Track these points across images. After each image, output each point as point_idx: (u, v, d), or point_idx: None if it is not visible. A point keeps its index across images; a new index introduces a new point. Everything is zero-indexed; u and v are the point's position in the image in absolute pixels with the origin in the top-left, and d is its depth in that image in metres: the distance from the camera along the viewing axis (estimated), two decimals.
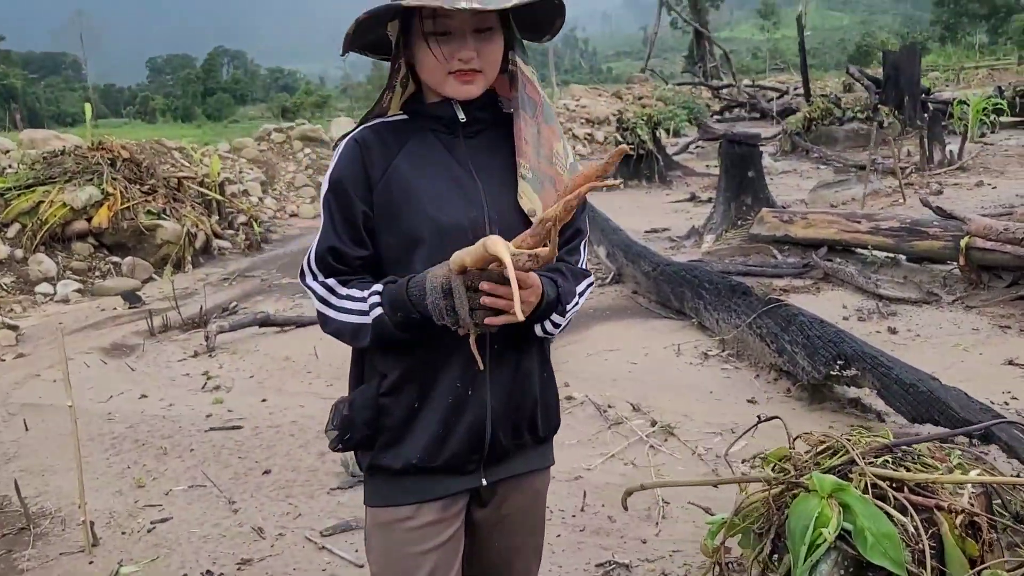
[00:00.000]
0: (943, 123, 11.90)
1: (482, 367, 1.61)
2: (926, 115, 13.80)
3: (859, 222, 6.67)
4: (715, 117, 22.47)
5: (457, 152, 1.76)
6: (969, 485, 1.38)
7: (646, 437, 4.22)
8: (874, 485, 1.44)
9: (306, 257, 1.74)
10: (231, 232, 10.58)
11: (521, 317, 1.43)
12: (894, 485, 1.42)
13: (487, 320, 1.55)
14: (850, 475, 1.48)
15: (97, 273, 8.81)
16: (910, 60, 14.15)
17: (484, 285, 1.53)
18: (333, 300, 1.69)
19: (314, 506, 3.79)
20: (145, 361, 6.10)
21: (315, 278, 1.73)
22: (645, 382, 4.97)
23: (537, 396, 1.82)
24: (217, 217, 10.53)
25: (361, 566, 3.26)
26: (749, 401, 4.58)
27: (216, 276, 9.07)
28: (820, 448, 1.57)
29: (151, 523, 3.71)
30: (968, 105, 12.66)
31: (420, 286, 1.59)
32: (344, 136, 1.81)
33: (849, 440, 1.55)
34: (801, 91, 21.03)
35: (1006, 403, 4.21)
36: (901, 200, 9.17)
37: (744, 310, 5.13)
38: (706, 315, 5.61)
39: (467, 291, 1.55)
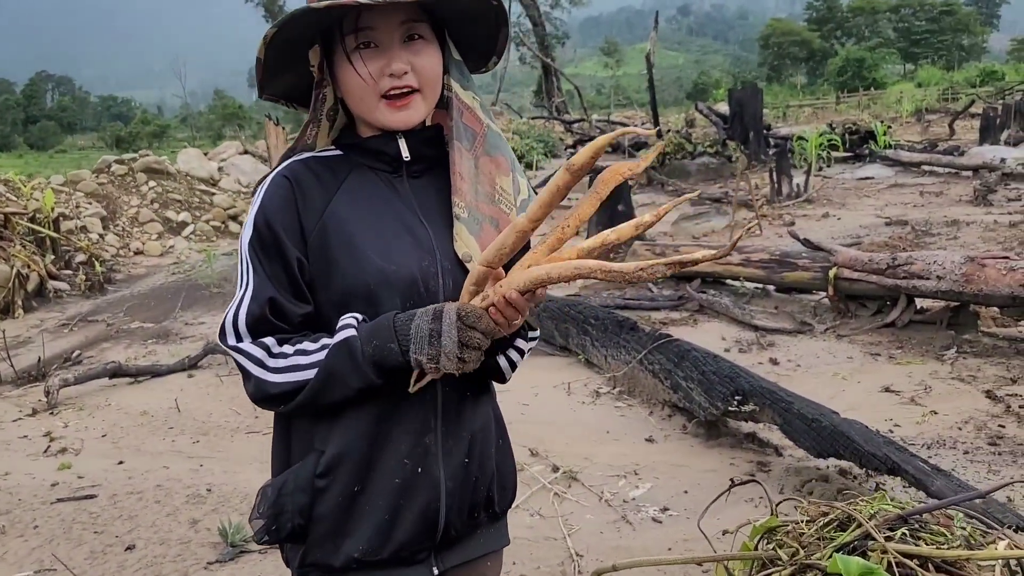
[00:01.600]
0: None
1: (412, 390, 1.38)
2: (770, 150, 14.59)
3: (731, 254, 6.83)
4: (568, 151, 22.96)
5: (402, 193, 1.53)
6: (999, 560, 1.27)
7: (549, 484, 4.04)
8: (898, 564, 1.30)
9: (231, 316, 1.43)
10: (69, 272, 9.71)
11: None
12: (920, 563, 1.29)
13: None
14: (868, 552, 1.33)
15: None
16: (753, 97, 14.94)
17: (512, 295, 1.33)
18: (273, 362, 1.40)
19: None
20: None
21: (241, 339, 1.43)
22: (539, 424, 4.80)
23: (494, 468, 1.60)
24: (52, 256, 9.64)
25: None
26: (647, 440, 4.50)
27: (53, 321, 8.25)
28: (823, 520, 1.43)
29: None
30: (807, 140, 13.45)
31: (410, 314, 1.37)
32: (268, 174, 1.54)
33: (856, 509, 1.41)
34: (648, 126, 21.85)
35: (890, 431, 4.31)
36: (758, 232, 9.54)
37: (633, 346, 5.08)
38: (593, 351, 5.53)
39: (458, 320, 1.33)
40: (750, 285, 6.91)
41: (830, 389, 4.91)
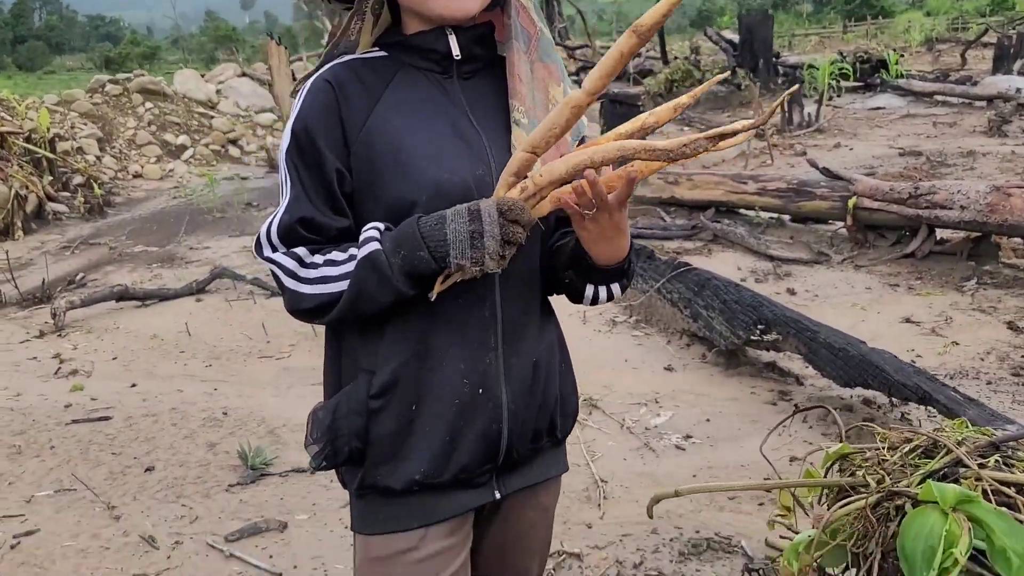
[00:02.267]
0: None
1: (432, 298, 1.30)
2: (779, 79, 14.31)
3: (745, 183, 6.71)
4: (573, 78, 22.52)
5: (452, 95, 1.43)
6: None
7: None
8: (995, 492, 1.24)
9: (265, 227, 1.37)
10: (67, 195, 9.54)
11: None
12: (1016, 491, 1.23)
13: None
14: (960, 480, 1.27)
15: None
16: (764, 24, 14.57)
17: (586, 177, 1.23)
18: (305, 272, 1.34)
19: (212, 507, 3.34)
20: None
21: (276, 250, 1.36)
22: None
23: (558, 391, 1.53)
24: (50, 178, 9.45)
25: (279, 574, 2.88)
26: (666, 369, 4.46)
27: (54, 244, 8.14)
28: (908, 448, 1.36)
29: (14, 537, 3.16)
30: (817, 69, 13.16)
31: (437, 216, 1.27)
32: (307, 76, 1.43)
33: (943, 435, 1.35)
34: (654, 53, 21.37)
35: (913, 361, 4.27)
36: (769, 161, 9.39)
37: (651, 274, 5.00)
38: None
39: (500, 217, 1.24)
40: (765, 215, 6.81)
41: (849, 320, 4.85)
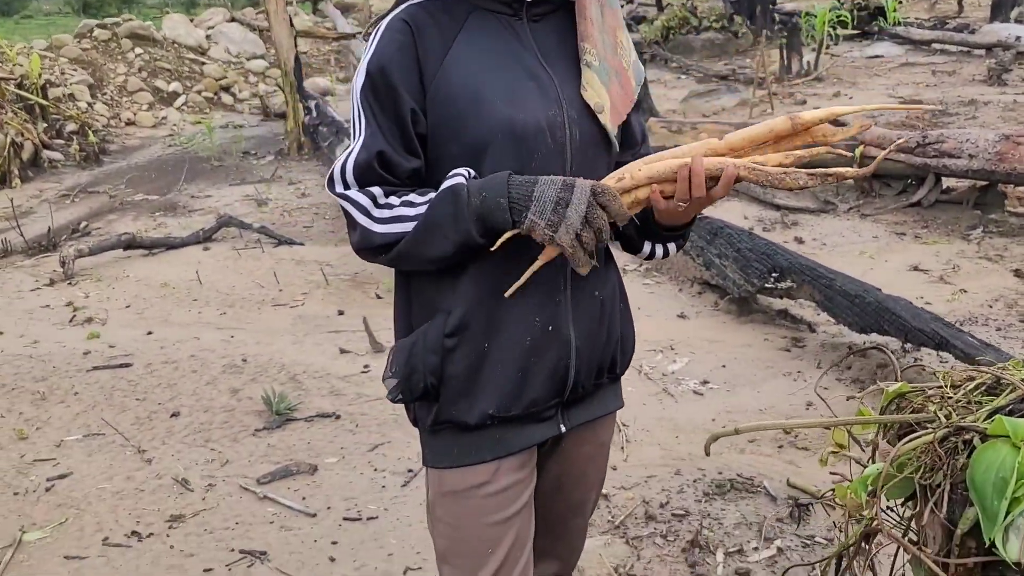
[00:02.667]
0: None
1: (493, 248, 1.34)
2: (776, 26, 14.17)
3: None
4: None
5: (522, 37, 1.46)
6: None
7: None
8: None
9: (340, 164, 1.40)
10: (61, 142, 9.41)
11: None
12: None
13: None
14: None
15: None
16: None
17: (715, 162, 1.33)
18: (379, 212, 1.37)
19: (240, 451, 3.40)
20: None
21: (349, 187, 1.39)
22: None
23: (619, 329, 1.59)
24: (44, 125, 9.31)
25: (313, 514, 2.95)
26: (680, 316, 4.52)
27: (52, 192, 8.06)
28: (972, 385, 1.42)
29: (48, 480, 3.21)
30: (815, 16, 13.03)
31: (530, 178, 1.32)
32: (383, 16, 1.45)
33: (1007, 373, 1.40)
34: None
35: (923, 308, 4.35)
36: (770, 110, 9.36)
37: None
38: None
39: (591, 195, 1.29)
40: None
41: (858, 268, 4.91)
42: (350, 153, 1.39)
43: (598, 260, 1.53)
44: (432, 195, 1.36)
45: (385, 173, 1.38)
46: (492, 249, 1.32)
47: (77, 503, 3.07)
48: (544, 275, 1.43)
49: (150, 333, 4.57)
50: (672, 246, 1.56)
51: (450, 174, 1.35)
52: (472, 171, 1.36)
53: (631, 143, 1.59)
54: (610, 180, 1.36)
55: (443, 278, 1.44)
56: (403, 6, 1.44)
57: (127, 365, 4.15)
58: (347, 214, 1.40)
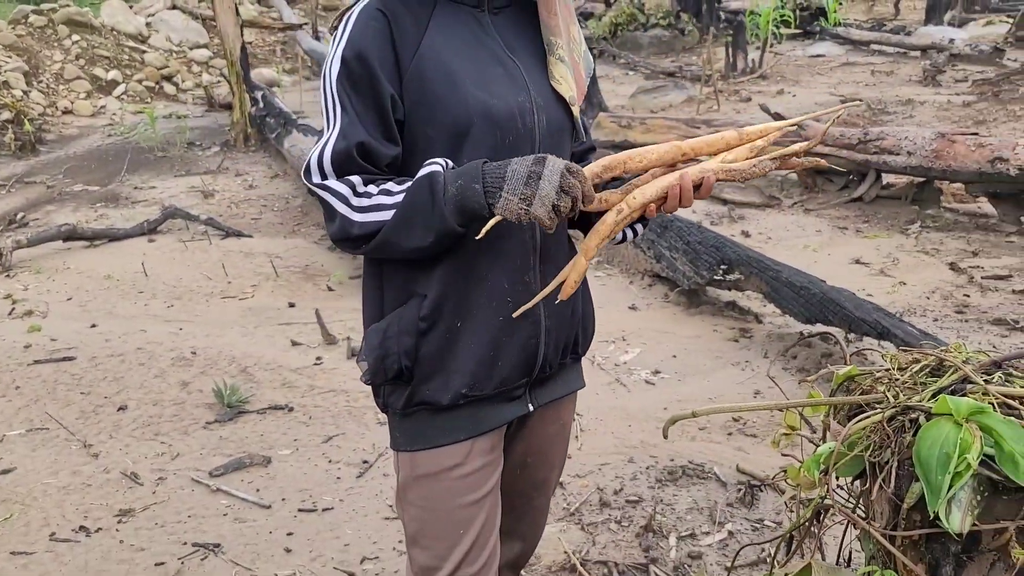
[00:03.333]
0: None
1: (479, 236, 1.34)
2: (722, 24, 14.41)
3: (699, 128, 6.81)
4: None
5: (487, 28, 1.51)
6: None
7: None
8: (1000, 405, 1.36)
9: (316, 153, 1.40)
10: None
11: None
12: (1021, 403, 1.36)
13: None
14: (968, 395, 1.39)
15: None
16: None
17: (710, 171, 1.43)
18: (358, 200, 1.37)
19: (191, 444, 3.35)
20: None
21: (326, 177, 1.39)
22: None
23: (582, 309, 1.63)
24: None
25: (268, 506, 2.93)
26: (631, 308, 4.58)
27: None
28: (917, 367, 1.48)
29: None
30: (759, 15, 13.29)
31: (503, 161, 1.34)
32: (351, 6, 1.46)
33: (949, 355, 1.47)
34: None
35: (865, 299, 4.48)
36: (716, 107, 9.51)
37: None
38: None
39: (564, 168, 1.31)
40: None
41: (802, 261, 5.02)
42: (327, 142, 1.39)
43: (563, 242, 1.58)
44: (410, 182, 1.36)
45: (365, 162, 1.38)
46: (478, 237, 1.32)
47: (22, 498, 3.00)
48: (515, 255, 1.47)
49: (94, 326, 4.47)
50: (639, 226, 1.59)
51: (426, 163, 1.36)
52: (449, 161, 1.37)
53: (577, 135, 1.63)
54: (611, 215, 1.41)
55: (417, 262, 1.45)
56: None
57: (70, 359, 4.06)
58: (325, 204, 1.40)
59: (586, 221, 1.56)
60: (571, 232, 1.64)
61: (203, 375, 3.89)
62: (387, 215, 1.35)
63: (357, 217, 1.37)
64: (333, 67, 1.40)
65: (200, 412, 3.59)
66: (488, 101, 1.41)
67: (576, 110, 1.53)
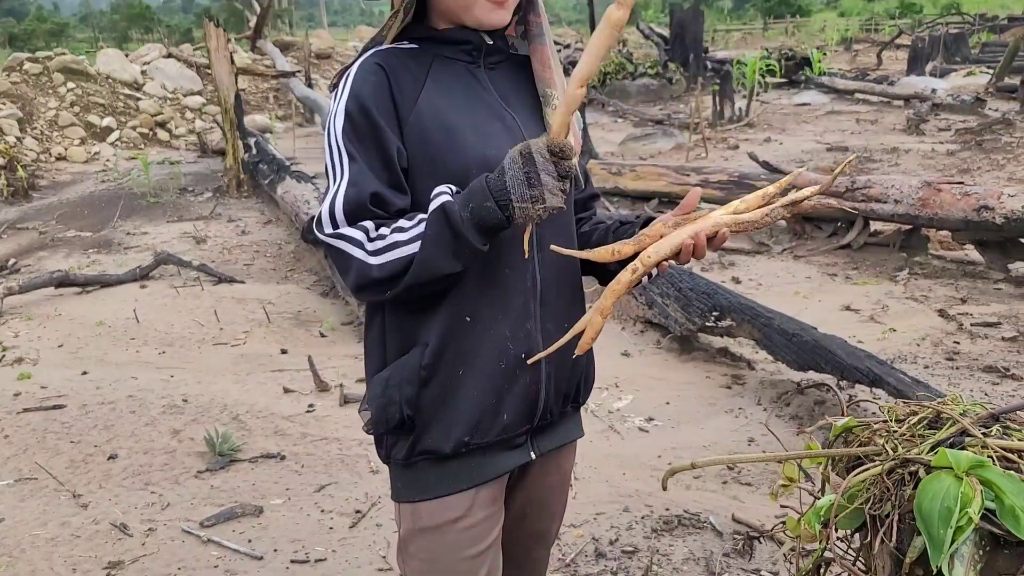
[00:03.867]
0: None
1: (526, 255, 1.39)
2: (709, 73, 14.67)
3: (688, 175, 6.91)
4: None
5: (483, 82, 1.54)
6: None
7: None
8: (1000, 458, 1.37)
9: (328, 205, 1.40)
10: None
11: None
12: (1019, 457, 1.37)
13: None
14: (967, 449, 1.40)
15: None
16: (695, 19, 14.90)
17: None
18: (372, 245, 1.37)
19: (183, 493, 3.32)
20: None
21: (339, 227, 1.40)
22: None
23: (584, 359, 1.63)
24: None
25: (260, 557, 2.89)
26: (623, 354, 4.59)
27: None
28: (915, 419, 1.49)
29: None
30: (746, 65, 13.55)
31: (499, 169, 1.35)
32: (350, 64, 1.50)
33: (947, 408, 1.48)
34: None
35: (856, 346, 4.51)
36: (704, 154, 9.64)
37: None
38: None
39: (550, 155, 1.32)
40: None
41: (793, 307, 5.06)
42: (336, 192, 1.40)
43: (565, 290, 1.58)
44: (421, 216, 1.38)
45: (378, 210, 1.39)
46: (526, 251, 1.37)
47: (10, 551, 2.95)
48: (516, 303, 1.48)
49: (85, 373, 4.45)
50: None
51: (434, 193, 1.38)
52: (452, 186, 1.39)
53: (578, 184, 1.67)
54: (625, 274, 1.42)
55: (422, 311, 1.46)
56: (371, 52, 1.49)
57: (60, 407, 4.03)
58: (340, 254, 1.39)
59: (597, 268, 1.58)
60: (584, 278, 1.65)
61: (194, 423, 3.86)
62: (405, 251, 1.35)
63: (374, 260, 1.37)
64: (337, 121, 1.42)
65: (191, 460, 3.55)
66: (487, 153, 1.43)
67: (575, 160, 1.55)
